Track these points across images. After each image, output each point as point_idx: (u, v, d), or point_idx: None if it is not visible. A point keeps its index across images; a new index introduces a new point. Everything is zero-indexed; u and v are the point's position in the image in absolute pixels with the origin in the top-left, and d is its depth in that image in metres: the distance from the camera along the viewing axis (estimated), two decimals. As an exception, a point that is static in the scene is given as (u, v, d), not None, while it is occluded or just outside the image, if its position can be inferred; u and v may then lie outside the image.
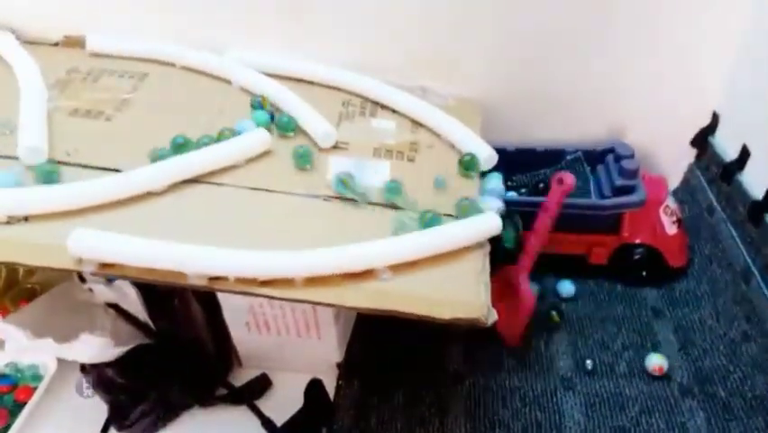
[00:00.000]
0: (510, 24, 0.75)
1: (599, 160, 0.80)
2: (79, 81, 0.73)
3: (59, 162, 0.59)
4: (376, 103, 0.75)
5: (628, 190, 0.73)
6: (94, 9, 0.78)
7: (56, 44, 0.80)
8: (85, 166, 0.59)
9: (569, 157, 0.81)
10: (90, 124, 0.65)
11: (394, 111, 0.74)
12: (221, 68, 0.75)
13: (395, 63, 0.79)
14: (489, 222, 0.57)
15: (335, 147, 0.67)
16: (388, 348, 0.72)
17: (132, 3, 0.78)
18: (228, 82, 0.75)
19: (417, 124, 0.73)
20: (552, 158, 0.81)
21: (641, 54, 0.76)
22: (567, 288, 0.77)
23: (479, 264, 0.56)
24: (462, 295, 0.53)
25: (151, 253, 0.49)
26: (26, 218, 0.53)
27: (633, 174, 0.73)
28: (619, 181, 0.73)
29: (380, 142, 0.69)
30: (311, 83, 0.77)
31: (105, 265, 0.50)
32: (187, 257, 0.49)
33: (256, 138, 0.63)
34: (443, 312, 0.51)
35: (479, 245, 0.57)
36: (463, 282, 0.54)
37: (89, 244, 0.49)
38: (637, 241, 0.76)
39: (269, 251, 0.50)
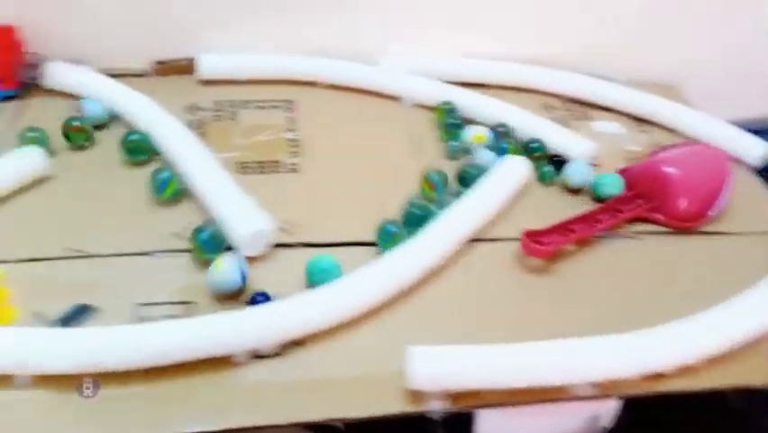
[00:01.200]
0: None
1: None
2: (213, 121, 0.54)
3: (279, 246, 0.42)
4: (581, 102, 0.61)
5: None
6: (182, 23, 0.59)
7: (139, 75, 0.60)
8: (313, 245, 0.42)
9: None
10: (278, 182, 0.47)
11: (602, 108, 0.61)
12: (386, 81, 0.58)
13: (568, 51, 0.65)
14: None
15: (582, 165, 0.53)
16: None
17: (237, 12, 0.59)
18: (394, 98, 0.59)
19: (640, 120, 0.60)
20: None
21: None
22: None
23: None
24: None
25: (529, 363, 0.34)
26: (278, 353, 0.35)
27: None
28: None
29: (626, 149, 0.55)
30: (484, 86, 0.62)
31: (458, 396, 0.34)
32: (580, 356, 0.34)
33: (514, 169, 0.47)
34: None
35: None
36: None
37: (438, 366, 0.33)
38: None
39: (667, 326, 0.37)
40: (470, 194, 0.45)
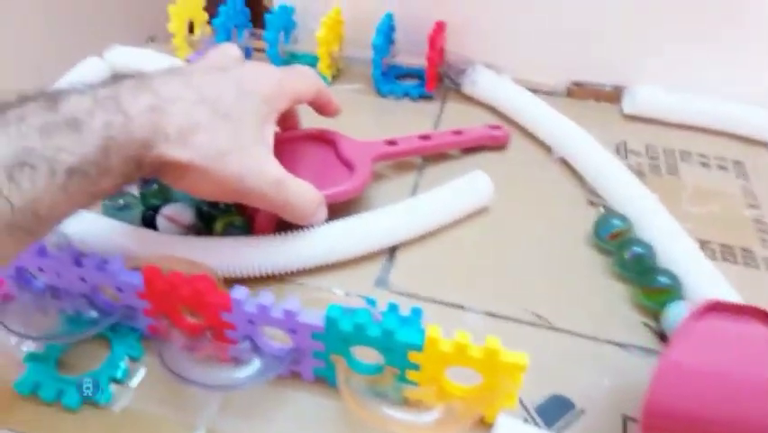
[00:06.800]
0: None
1: None
2: (651, 173, 0.46)
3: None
4: None
5: None
6: (613, 45, 0.50)
7: (549, 93, 0.53)
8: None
9: None
10: (756, 282, 0.37)
11: None
12: None
13: None
14: None
15: None
16: None
17: (682, 44, 0.49)
18: None
19: None
20: None
21: None
22: None
23: None
24: None
25: None
26: None
27: None
28: None
29: None
30: None
31: None
32: None
33: None
34: None
35: None
36: None
37: None
38: None
39: None
40: None
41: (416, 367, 0.27)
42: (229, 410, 0.30)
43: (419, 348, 0.26)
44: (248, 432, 0.29)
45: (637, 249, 0.36)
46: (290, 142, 0.39)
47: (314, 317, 0.28)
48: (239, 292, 0.28)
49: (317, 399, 0.30)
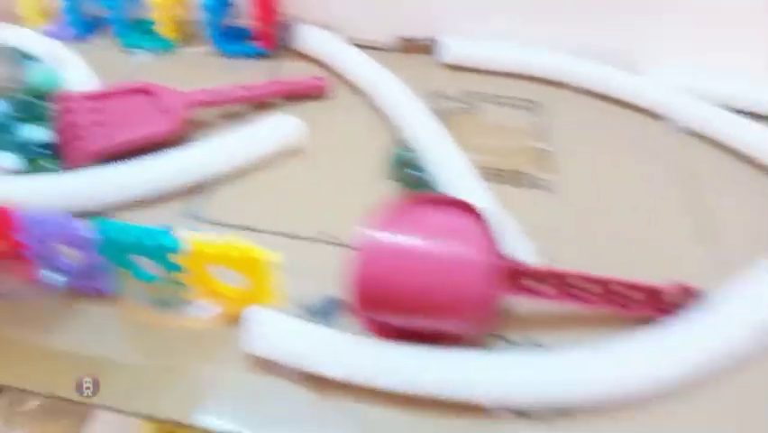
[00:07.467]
0: None
1: None
2: (459, 113, 0.51)
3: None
4: None
5: None
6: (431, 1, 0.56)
7: (379, 49, 0.58)
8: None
9: None
10: (528, 198, 0.44)
11: None
12: (653, 96, 0.51)
13: None
14: None
15: None
16: None
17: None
18: (657, 117, 0.51)
19: None
20: None
21: None
22: None
23: None
24: None
25: None
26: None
27: None
28: None
29: None
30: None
31: None
32: None
33: None
34: None
35: None
36: None
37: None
38: None
39: None
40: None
41: (179, 269, 0.32)
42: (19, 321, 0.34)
43: (174, 249, 0.31)
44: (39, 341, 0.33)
45: (417, 173, 0.41)
46: (108, 96, 0.43)
47: (85, 229, 0.32)
48: (24, 212, 0.32)
49: (108, 309, 0.34)
